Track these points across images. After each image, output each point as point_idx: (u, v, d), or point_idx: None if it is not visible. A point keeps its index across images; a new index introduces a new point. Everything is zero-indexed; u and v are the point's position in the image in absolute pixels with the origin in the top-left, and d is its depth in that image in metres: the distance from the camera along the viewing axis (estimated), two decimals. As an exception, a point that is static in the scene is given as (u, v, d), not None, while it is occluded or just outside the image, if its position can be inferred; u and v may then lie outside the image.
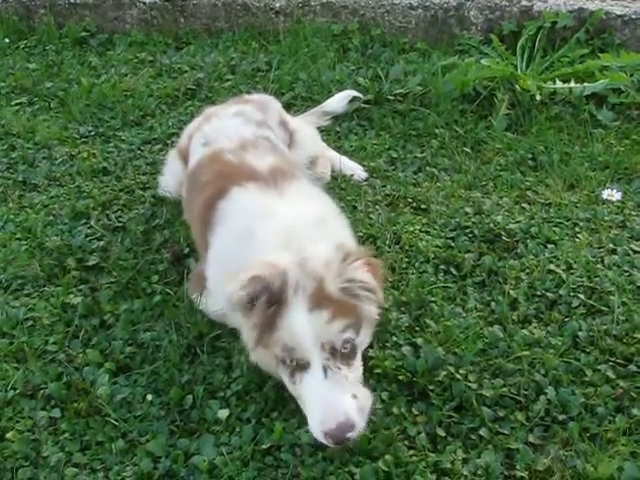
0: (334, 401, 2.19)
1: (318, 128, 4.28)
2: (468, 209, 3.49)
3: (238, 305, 2.29)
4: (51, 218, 3.54)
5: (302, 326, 2.24)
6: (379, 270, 2.43)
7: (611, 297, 2.89)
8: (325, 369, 2.23)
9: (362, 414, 2.23)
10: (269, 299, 2.27)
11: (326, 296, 2.29)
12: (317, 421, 2.19)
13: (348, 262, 2.34)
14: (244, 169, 2.88)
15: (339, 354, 2.27)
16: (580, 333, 2.71)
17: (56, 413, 2.45)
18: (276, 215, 2.59)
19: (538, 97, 4.36)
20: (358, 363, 2.37)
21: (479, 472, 2.20)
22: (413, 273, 3.04)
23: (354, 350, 2.33)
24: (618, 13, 4.95)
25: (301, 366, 2.26)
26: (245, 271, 2.30)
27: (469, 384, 2.46)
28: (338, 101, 4.47)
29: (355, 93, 4.54)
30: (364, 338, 2.42)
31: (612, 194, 3.56)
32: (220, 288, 2.46)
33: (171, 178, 3.59)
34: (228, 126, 3.28)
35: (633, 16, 4.92)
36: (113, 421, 2.40)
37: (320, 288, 2.29)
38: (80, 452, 2.33)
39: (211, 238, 2.75)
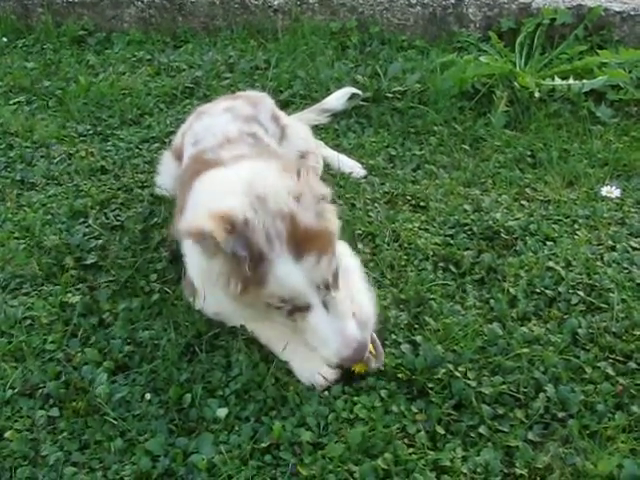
0: (343, 332, 2.33)
1: (317, 126, 4.29)
2: (467, 206, 3.49)
3: (203, 246, 2.25)
4: (49, 217, 3.52)
5: (294, 278, 2.24)
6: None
7: (610, 294, 2.88)
8: (325, 304, 2.33)
9: (366, 326, 2.40)
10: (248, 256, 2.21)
11: (304, 235, 2.24)
12: (332, 352, 2.35)
13: (306, 177, 2.32)
14: (212, 164, 2.81)
15: (330, 285, 2.34)
16: (579, 330, 2.70)
17: (55, 412, 2.43)
18: (227, 177, 2.55)
19: (537, 94, 4.35)
20: (342, 281, 2.43)
21: (478, 470, 2.19)
22: (412, 271, 3.03)
23: (337, 273, 2.39)
24: (617, 9, 4.95)
25: (301, 308, 2.33)
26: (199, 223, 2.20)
27: (468, 382, 2.45)
28: (337, 98, 4.46)
29: (354, 90, 4.53)
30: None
31: (611, 191, 3.55)
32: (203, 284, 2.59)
33: (167, 178, 3.57)
34: (216, 123, 3.24)
35: (632, 12, 4.92)
36: (112, 420, 2.39)
37: (294, 227, 2.23)
38: (79, 451, 2.31)
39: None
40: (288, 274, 2.24)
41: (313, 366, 2.47)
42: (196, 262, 2.59)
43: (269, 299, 2.31)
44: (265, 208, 2.23)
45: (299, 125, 3.88)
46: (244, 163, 2.66)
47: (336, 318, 2.34)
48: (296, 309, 2.34)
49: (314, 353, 2.44)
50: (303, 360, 2.51)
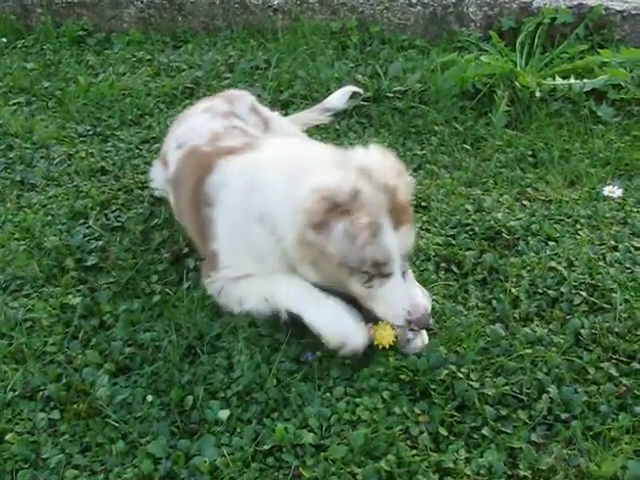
0: (417, 297, 2.54)
1: (318, 126, 4.29)
2: (468, 206, 3.48)
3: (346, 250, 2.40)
4: (49, 218, 3.51)
5: (392, 245, 2.44)
6: None
7: (613, 294, 2.87)
8: (402, 273, 2.51)
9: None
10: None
11: (401, 208, 2.48)
12: (404, 313, 2.48)
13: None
14: (222, 150, 2.96)
15: (408, 257, 2.57)
16: (582, 331, 2.69)
17: (55, 415, 2.42)
18: (280, 156, 2.77)
19: (538, 94, 4.34)
20: None
21: (482, 472, 2.18)
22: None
23: None
24: (618, 9, 4.94)
25: (383, 275, 2.47)
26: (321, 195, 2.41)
27: (471, 383, 2.45)
28: (339, 97, 4.46)
29: (355, 89, 4.53)
30: None
31: (613, 190, 3.55)
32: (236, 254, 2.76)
33: (157, 183, 3.61)
34: (197, 123, 3.32)
35: (633, 11, 4.91)
36: (113, 422, 2.38)
37: (394, 200, 2.46)
38: (80, 454, 2.30)
39: (213, 212, 2.81)
40: (388, 240, 2.42)
41: (342, 328, 2.54)
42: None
43: (361, 264, 2.43)
44: (373, 181, 2.45)
45: (284, 121, 3.93)
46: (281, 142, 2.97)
47: (409, 287, 2.55)
48: (378, 275, 2.47)
49: (342, 315, 2.56)
50: (331, 321, 2.57)
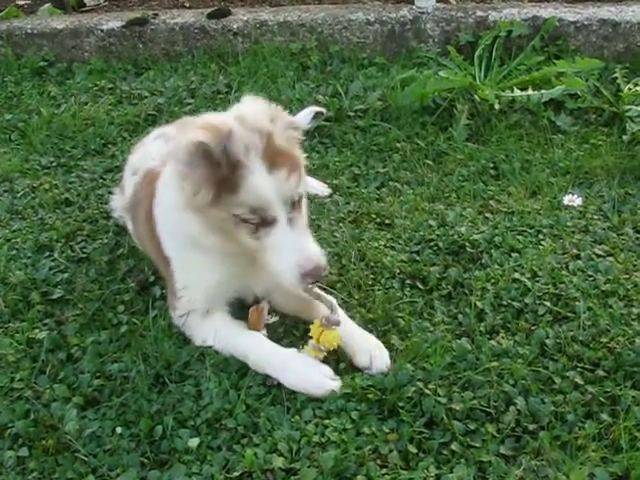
0: (307, 247, 2.49)
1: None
2: (432, 222, 3.50)
3: (193, 157, 2.38)
4: (14, 252, 3.49)
5: (266, 187, 2.39)
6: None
7: (577, 303, 2.90)
8: (289, 221, 2.46)
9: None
10: (215, 161, 2.37)
11: (277, 152, 2.43)
12: (294, 267, 2.44)
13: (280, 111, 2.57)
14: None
15: (296, 205, 2.49)
16: (547, 341, 2.71)
17: (24, 452, 2.39)
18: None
19: (497, 106, 4.40)
20: (304, 208, 2.61)
21: (452, 487, 2.19)
22: (379, 290, 3.04)
23: (301, 198, 2.55)
24: (571, 19, 5.03)
25: (267, 222, 2.45)
26: (188, 135, 2.42)
27: (439, 399, 2.45)
28: (303, 118, 4.47)
29: (318, 109, 4.54)
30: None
31: (573, 199, 3.59)
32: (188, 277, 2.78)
33: (119, 213, 3.63)
34: (150, 150, 3.32)
35: (585, 22, 5.01)
36: (83, 457, 2.36)
37: (269, 144, 2.41)
38: (50, 491, 2.29)
39: (157, 231, 2.85)
40: (261, 182, 2.38)
41: (319, 380, 2.53)
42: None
43: (239, 209, 2.42)
44: (246, 124, 2.42)
45: None
46: None
47: (300, 236, 2.49)
48: (262, 223, 2.44)
49: (314, 366, 2.56)
50: (308, 377, 2.54)
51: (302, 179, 2.53)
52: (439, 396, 2.47)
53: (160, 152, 3.18)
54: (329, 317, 2.59)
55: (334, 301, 2.71)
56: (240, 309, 2.86)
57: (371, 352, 2.63)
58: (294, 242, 2.46)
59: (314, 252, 2.49)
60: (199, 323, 2.80)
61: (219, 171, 2.36)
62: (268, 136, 2.42)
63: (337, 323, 2.59)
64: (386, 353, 2.65)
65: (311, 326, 2.65)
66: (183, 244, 2.74)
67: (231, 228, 2.51)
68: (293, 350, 2.64)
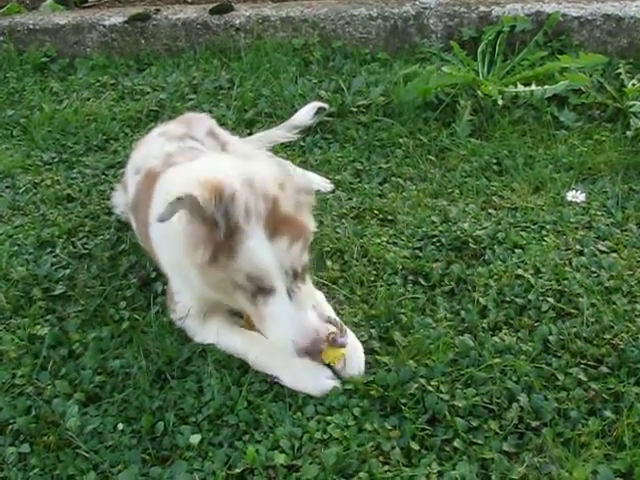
0: (303, 321, 2.37)
1: (283, 143, 4.30)
2: (435, 218, 3.49)
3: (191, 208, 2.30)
4: (16, 248, 3.48)
5: (266, 256, 2.31)
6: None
7: (580, 299, 2.89)
8: (289, 292, 2.36)
9: (322, 317, 2.47)
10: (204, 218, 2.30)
11: (281, 218, 2.34)
12: (289, 341, 2.35)
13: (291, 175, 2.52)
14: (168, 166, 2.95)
15: (298, 275, 2.40)
16: (550, 337, 2.70)
17: (25, 448, 2.39)
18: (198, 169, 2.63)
19: (500, 102, 4.37)
20: (308, 276, 2.52)
21: (454, 484, 2.19)
22: (382, 286, 3.03)
23: (306, 268, 2.48)
24: (574, 15, 5.00)
25: (265, 291, 2.36)
26: (191, 188, 2.30)
27: (441, 395, 2.45)
28: (305, 114, 4.46)
29: (321, 104, 4.54)
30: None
31: (576, 195, 3.57)
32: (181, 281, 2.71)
33: (121, 209, 3.65)
34: (153, 148, 3.30)
35: (589, 17, 4.97)
36: (84, 453, 2.36)
37: (274, 210, 2.34)
38: (51, 487, 2.29)
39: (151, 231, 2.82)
40: (259, 249, 2.31)
41: (318, 380, 2.53)
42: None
43: (236, 274, 2.35)
44: (252, 188, 2.34)
45: (242, 144, 3.90)
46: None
47: (298, 308, 2.38)
48: (260, 291, 2.36)
49: (312, 366, 2.52)
50: (308, 377, 2.54)
51: (306, 248, 2.45)
52: (441, 393, 2.46)
53: (162, 151, 3.19)
54: (336, 337, 2.48)
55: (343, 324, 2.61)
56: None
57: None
58: (291, 315, 2.36)
59: (311, 327, 2.37)
60: (197, 325, 2.79)
61: (217, 232, 2.29)
62: (274, 201, 2.34)
63: (343, 345, 2.50)
64: (362, 356, 2.62)
65: None
66: (177, 264, 2.66)
67: (229, 289, 2.44)
68: None
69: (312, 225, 2.54)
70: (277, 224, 2.33)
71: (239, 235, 2.29)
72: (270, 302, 2.37)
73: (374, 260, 3.20)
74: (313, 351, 2.37)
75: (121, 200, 3.58)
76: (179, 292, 2.80)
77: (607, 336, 2.70)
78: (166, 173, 2.82)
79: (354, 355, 2.59)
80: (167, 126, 3.57)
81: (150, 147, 3.35)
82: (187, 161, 2.90)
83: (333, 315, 2.65)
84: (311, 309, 2.43)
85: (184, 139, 3.35)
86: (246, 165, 2.51)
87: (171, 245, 2.59)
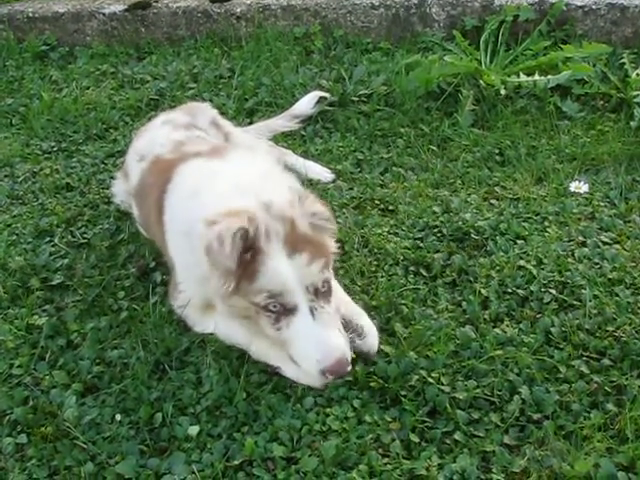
0: (329, 341, 2.32)
1: (284, 132, 4.27)
2: (436, 208, 3.46)
3: (216, 254, 2.29)
4: (14, 237, 3.47)
5: (286, 272, 2.31)
6: (324, 203, 2.53)
7: (582, 291, 2.87)
8: (312, 310, 2.34)
9: (348, 344, 2.39)
10: (244, 247, 2.29)
11: (299, 237, 2.35)
12: (314, 361, 2.30)
13: (306, 199, 2.45)
14: (186, 154, 2.93)
15: (320, 294, 2.37)
16: (553, 329, 2.68)
17: (22, 439, 2.38)
18: (221, 173, 2.66)
19: (503, 91, 4.34)
20: (333, 298, 2.46)
21: (455, 477, 2.16)
22: (382, 276, 3.00)
23: (330, 287, 2.44)
24: (578, 4, 4.96)
25: (288, 310, 2.34)
26: (214, 220, 2.32)
27: (442, 387, 2.43)
28: (307, 103, 4.44)
29: (322, 93, 4.51)
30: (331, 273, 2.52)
31: (579, 186, 3.54)
32: (189, 273, 2.67)
33: (121, 197, 3.61)
34: (158, 135, 3.29)
35: (593, 6, 4.94)
36: (81, 444, 2.34)
37: (292, 230, 2.35)
38: (48, 478, 2.26)
39: (165, 219, 2.79)
40: (280, 266, 2.31)
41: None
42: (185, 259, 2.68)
43: (258, 296, 2.33)
44: (270, 212, 2.36)
45: (244, 135, 3.88)
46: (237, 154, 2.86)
47: (322, 328, 2.34)
48: (283, 312, 2.34)
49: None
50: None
51: (327, 266, 2.43)
52: (442, 385, 2.45)
53: (169, 138, 3.17)
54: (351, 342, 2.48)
55: (366, 326, 2.63)
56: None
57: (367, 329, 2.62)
58: (315, 335, 2.33)
59: (336, 347, 2.32)
60: (199, 315, 2.77)
61: (242, 259, 2.29)
62: (291, 222, 2.35)
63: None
64: (376, 334, 2.64)
65: None
66: (192, 268, 2.62)
67: (254, 316, 2.43)
68: None
69: (333, 246, 2.55)
70: (296, 242, 2.34)
71: (260, 257, 2.30)
72: (293, 322, 2.35)
73: (375, 250, 3.18)
74: (339, 372, 2.31)
75: (121, 188, 3.55)
76: (184, 283, 2.77)
77: (610, 328, 2.68)
78: (187, 164, 2.82)
79: (370, 332, 2.61)
80: (170, 114, 3.55)
81: (155, 134, 3.33)
82: (202, 153, 2.91)
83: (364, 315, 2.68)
84: (337, 330, 2.38)
85: (189, 128, 3.34)
86: (261, 185, 2.52)
87: (192, 253, 2.51)
